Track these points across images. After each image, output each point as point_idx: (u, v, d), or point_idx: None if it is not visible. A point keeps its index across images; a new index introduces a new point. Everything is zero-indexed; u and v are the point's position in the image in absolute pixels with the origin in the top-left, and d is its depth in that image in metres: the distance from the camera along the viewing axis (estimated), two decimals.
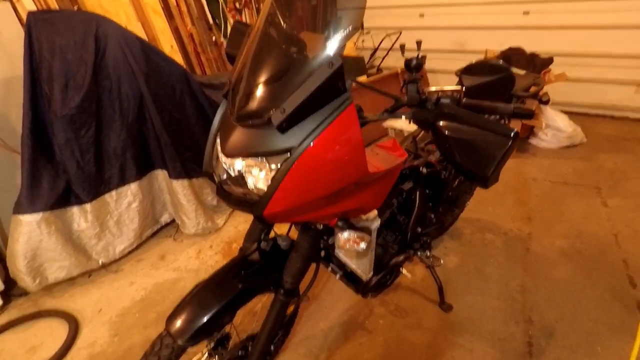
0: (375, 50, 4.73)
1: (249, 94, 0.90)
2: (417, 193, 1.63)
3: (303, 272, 1.20)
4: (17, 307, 2.16)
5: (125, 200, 2.34)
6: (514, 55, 3.18)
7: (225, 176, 0.93)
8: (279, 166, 0.84)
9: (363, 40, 4.89)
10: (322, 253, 1.62)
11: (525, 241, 2.29)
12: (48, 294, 2.22)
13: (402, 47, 1.41)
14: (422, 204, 1.69)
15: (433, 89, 1.03)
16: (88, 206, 2.18)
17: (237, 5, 4.29)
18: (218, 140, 0.93)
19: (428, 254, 1.81)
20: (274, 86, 0.88)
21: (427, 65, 4.62)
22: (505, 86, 0.94)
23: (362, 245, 1.03)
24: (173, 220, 2.72)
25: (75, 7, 2.76)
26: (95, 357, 1.83)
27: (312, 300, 2.03)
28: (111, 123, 2.18)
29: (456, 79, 1.16)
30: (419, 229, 1.78)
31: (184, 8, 3.62)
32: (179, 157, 2.35)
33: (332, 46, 0.83)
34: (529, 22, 3.98)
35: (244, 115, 0.88)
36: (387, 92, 1.19)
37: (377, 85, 4.05)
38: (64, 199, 2.11)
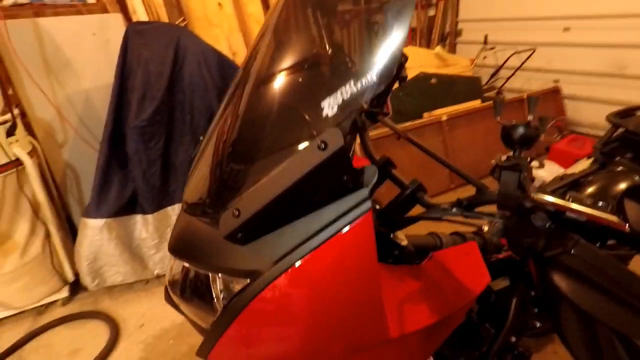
0: (499, 69, 3.99)
1: (204, 172, 0.59)
2: (515, 298, 1.10)
3: None
4: (81, 300, 2.27)
5: None
6: None
7: (177, 276, 0.63)
8: (233, 293, 0.51)
9: (484, 57, 4.18)
10: None
11: None
12: (107, 293, 2.29)
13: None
14: (521, 311, 1.15)
15: (549, 199, 0.53)
16: (150, 217, 2.17)
17: None
18: None
19: None
20: (237, 166, 0.55)
21: (567, 90, 3.72)
22: None
23: None
24: None
25: (182, 18, 2.86)
26: None
27: None
28: (181, 137, 2.13)
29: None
30: (513, 339, 1.23)
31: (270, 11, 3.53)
32: None
33: (329, 110, 0.46)
34: None
35: (191, 205, 0.57)
36: (457, 169, 0.73)
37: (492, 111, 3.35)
38: (129, 207, 2.13)
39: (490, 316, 1.13)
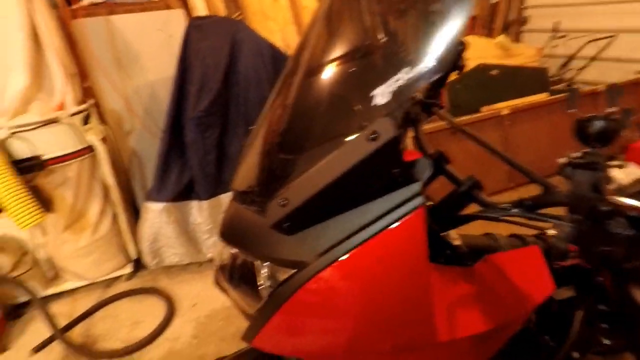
0: (570, 59, 3.65)
1: (253, 161, 0.59)
2: (581, 311, 1.00)
3: None
4: (142, 277, 2.47)
5: None
6: None
7: (226, 262, 0.65)
8: (279, 282, 0.52)
9: (554, 46, 3.84)
10: None
11: None
12: (165, 272, 2.46)
13: None
14: (586, 326, 1.05)
15: (631, 202, 0.46)
16: (205, 203, 2.28)
17: None
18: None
19: None
20: (285, 156, 0.55)
21: None
22: None
23: None
24: None
25: (238, 12, 2.94)
26: (173, 353, 1.90)
27: None
28: (235, 128, 2.20)
29: None
30: (577, 355, 1.13)
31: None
32: None
33: (381, 98, 0.44)
34: None
35: (240, 193, 0.58)
36: (520, 165, 0.66)
37: (561, 105, 3.09)
38: (186, 193, 2.25)
39: (551, 328, 1.05)
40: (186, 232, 2.31)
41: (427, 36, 0.45)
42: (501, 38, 3.40)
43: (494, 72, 3.07)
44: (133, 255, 2.44)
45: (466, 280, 0.60)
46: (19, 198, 1.74)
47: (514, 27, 4.32)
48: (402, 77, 0.44)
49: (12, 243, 2.19)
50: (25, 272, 2.16)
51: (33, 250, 2.23)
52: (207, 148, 2.16)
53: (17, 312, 2.24)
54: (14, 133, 1.91)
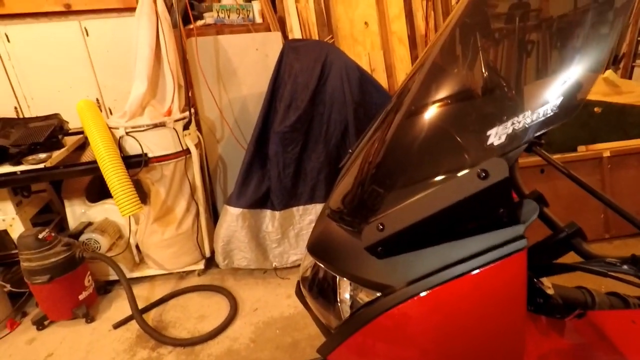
0: None
1: (351, 184, 0.61)
2: None
3: None
4: (211, 275, 2.64)
5: (309, 218, 2.43)
6: None
7: (308, 273, 0.68)
8: (359, 301, 0.53)
9: None
10: None
11: None
12: (232, 274, 2.60)
13: None
14: None
15: None
16: (277, 214, 2.39)
17: None
18: None
19: None
20: (385, 182, 0.56)
21: None
22: None
23: None
24: None
25: (330, 36, 3.09)
26: (232, 352, 1.98)
27: None
28: (315, 145, 2.29)
29: None
30: None
31: (433, 39, 3.49)
32: None
33: (496, 139, 0.43)
34: None
35: (334, 211, 0.61)
36: (635, 217, 0.59)
37: None
38: (262, 202, 2.38)
39: None
40: (257, 238, 2.43)
41: (556, 82, 0.44)
42: (609, 73, 3.09)
43: (597, 109, 2.79)
44: (207, 253, 2.63)
45: (560, 334, 0.55)
46: (126, 189, 1.99)
47: (625, 61, 3.90)
48: (522, 120, 0.43)
49: (112, 227, 2.50)
50: (118, 254, 2.45)
51: (127, 236, 2.52)
52: (287, 162, 2.28)
53: (106, 287, 2.53)
54: (128, 133, 2.21)
